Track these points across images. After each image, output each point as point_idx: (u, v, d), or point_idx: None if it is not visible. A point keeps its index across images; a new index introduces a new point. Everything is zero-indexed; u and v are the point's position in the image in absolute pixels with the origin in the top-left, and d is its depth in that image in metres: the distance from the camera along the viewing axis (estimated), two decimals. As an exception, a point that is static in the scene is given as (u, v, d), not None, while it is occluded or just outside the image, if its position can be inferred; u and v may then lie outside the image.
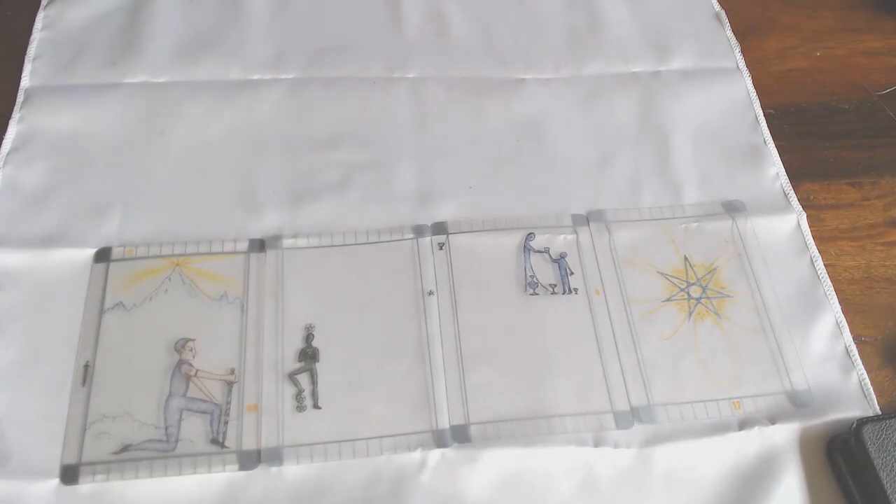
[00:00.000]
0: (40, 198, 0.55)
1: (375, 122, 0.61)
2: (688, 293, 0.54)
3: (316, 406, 0.48)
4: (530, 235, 0.55)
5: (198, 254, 0.53)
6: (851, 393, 0.50)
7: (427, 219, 0.56)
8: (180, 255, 0.53)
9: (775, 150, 0.61)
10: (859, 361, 0.51)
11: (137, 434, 0.46)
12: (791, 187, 0.59)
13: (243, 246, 0.54)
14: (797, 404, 0.50)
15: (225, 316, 0.51)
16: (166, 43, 0.63)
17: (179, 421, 0.47)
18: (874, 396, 0.50)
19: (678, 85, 0.64)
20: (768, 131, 0.62)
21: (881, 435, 0.45)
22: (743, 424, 0.48)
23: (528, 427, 0.48)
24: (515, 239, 0.55)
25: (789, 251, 0.56)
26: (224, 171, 0.57)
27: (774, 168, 0.60)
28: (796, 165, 0.61)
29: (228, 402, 0.48)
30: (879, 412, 0.49)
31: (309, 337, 0.50)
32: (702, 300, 0.53)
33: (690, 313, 0.53)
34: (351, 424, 0.47)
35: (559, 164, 0.59)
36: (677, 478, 0.47)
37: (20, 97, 0.60)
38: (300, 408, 0.48)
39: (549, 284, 0.53)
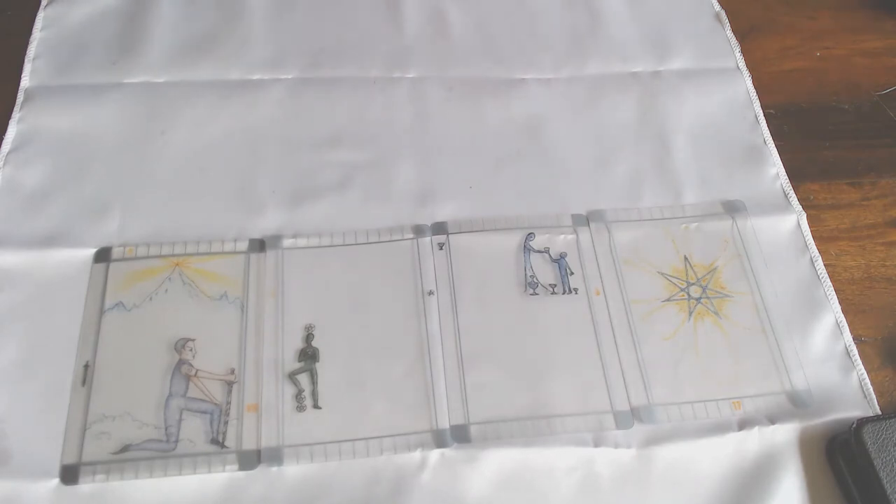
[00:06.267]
0: (40, 198, 0.55)
1: (375, 122, 0.61)
2: (688, 293, 0.54)
3: (316, 406, 0.48)
4: (530, 235, 0.55)
5: (198, 254, 0.53)
6: (851, 393, 0.50)
7: (427, 219, 0.56)
8: (180, 255, 0.53)
9: (775, 149, 0.61)
10: (859, 361, 0.51)
11: (137, 434, 0.46)
12: (791, 187, 0.59)
13: (243, 246, 0.54)
14: (797, 404, 0.50)
15: (225, 316, 0.51)
16: (166, 43, 0.63)
17: (179, 421, 0.47)
18: (874, 396, 0.50)
19: (678, 85, 0.64)
20: (768, 131, 0.62)
21: (881, 435, 0.45)
22: (743, 424, 0.48)
23: (528, 427, 0.48)
24: (515, 239, 0.55)
25: (789, 251, 0.56)
26: (224, 171, 0.57)
27: (774, 168, 0.60)
28: (796, 165, 0.61)
29: (228, 402, 0.48)
30: (879, 412, 0.49)
31: (309, 337, 0.50)
32: (702, 300, 0.53)
33: (690, 313, 0.53)
34: (351, 424, 0.47)
35: (559, 164, 0.59)
36: (677, 478, 0.47)
37: (20, 97, 0.60)
38: (300, 408, 0.48)
39: (549, 284, 0.53)
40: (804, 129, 0.64)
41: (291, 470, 0.46)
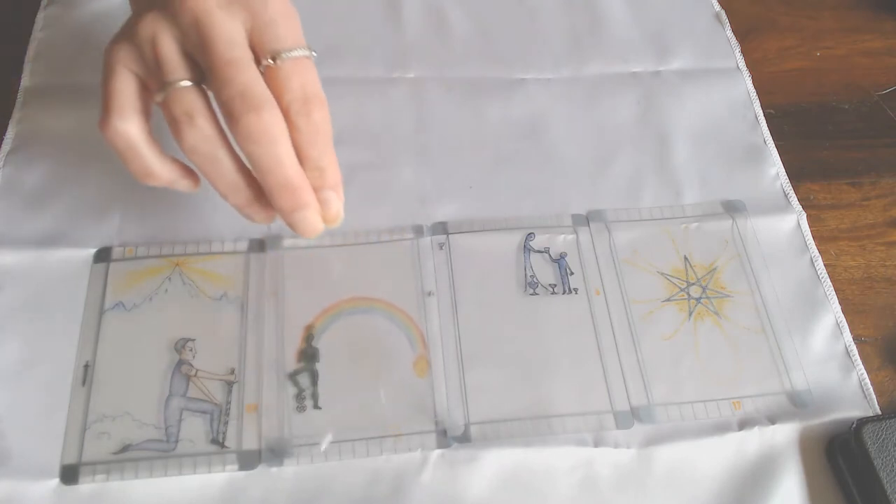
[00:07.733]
0: (40, 198, 0.55)
1: (375, 122, 0.61)
2: (688, 293, 0.54)
3: (316, 406, 0.48)
4: (530, 235, 0.55)
5: (198, 254, 0.53)
6: (851, 393, 0.50)
7: (427, 219, 0.56)
8: (180, 255, 0.53)
9: (775, 150, 0.61)
10: (859, 361, 0.51)
11: (137, 434, 0.46)
12: (791, 187, 0.59)
13: (243, 246, 0.54)
14: (797, 404, 0.50)
15: (225, 316, 0.51)
16: (166, 43, 0.63)
17: (179, 421, 0.47)
18: (874, 396, 0.50)
19: (678, 85, 0.64)
20: (768, 131, 0.62)
21: (881, 435, 0.45)
22: (743, 424, 0.48)
23: (528, 427, 0.48)
24: (515, 239, 0.55)
25: (789, 251, 0.56)
26: (224, 171, 0.57)
27: (774, 168, 0.60)
28: (796, 165, 0.61)
29: (228, 402, 0.48)
30: (879, 412, 0.49)
31: (309, 337, 0.50)
32: (702, 300, 0.53)
33: (690, 313, 0.53)
34: (351, 424, 0.47)
35: (559, 164, 0.59)
36: (677, 478, 0.47)
37: (20, 97, 0.59)
38: (300, 408, 0.48)
39: (549, 284, 0.53)
40: (804, 129, 0.64)
41: (291, 470, 0.46)
